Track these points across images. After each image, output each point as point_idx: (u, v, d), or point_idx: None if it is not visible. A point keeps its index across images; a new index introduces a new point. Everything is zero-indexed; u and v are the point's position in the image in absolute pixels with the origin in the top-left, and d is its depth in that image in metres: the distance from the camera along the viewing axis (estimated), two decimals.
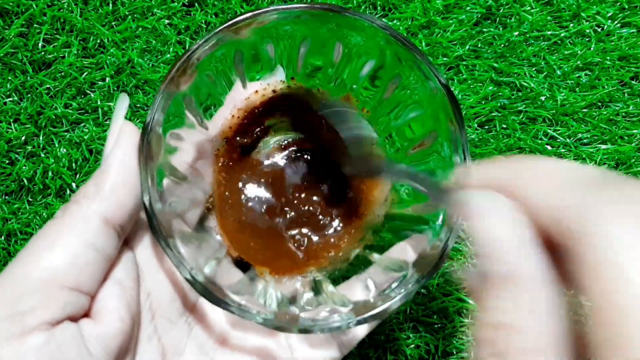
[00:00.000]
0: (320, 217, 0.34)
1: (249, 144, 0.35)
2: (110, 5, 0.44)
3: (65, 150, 0.42)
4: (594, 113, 0.45)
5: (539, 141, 0.44)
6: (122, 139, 0.26)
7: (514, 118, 0.44)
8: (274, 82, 0.33)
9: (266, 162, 0.35)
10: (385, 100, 0.31)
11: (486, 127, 0.44)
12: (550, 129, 0.44)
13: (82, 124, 0.42)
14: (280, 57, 0.31)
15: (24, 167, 0.41)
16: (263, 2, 0.45)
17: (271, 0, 0.45)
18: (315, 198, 0.35)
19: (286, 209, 0.34)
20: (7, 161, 0.42)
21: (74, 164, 0.41)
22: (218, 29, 0.27)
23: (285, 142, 0.36)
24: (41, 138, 0.42)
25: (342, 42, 0.30)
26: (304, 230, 0.34)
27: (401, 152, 0.32)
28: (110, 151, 0.26)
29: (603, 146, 0.44)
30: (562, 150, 0.44)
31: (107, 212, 0.25)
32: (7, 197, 0.41)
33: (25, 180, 0.41)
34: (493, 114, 0.44)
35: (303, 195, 0.35)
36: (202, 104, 0.31)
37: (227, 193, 0.34)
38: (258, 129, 0.35)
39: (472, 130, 0.44)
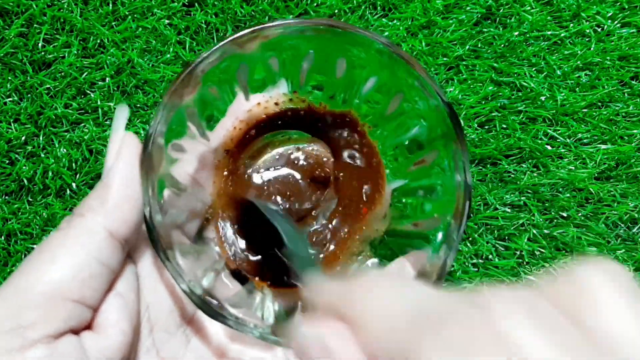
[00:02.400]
0: (319, 231, 0.34)
1: (249, 156, 0.35)
2: (110, 5, 0.44)
3: (65, 150, 0.42)
4: (594, 113, 0.45)
5: (539, 141, 0.44)
6: (123, 151, 0.26)
7: (514, 118, 0.44)
8: (276, 95, 0.33)
9: (266, 175, 0.35)
10: (387, 116, 0.32)
11: (486, 127, 0.44)
12: (550, 129, 0.44)
13: (82, 124, 0.42)
14: (283, 71, 0.31)
15: (24, 167, 0.41)
16: (263, 2, 0.45)
17: (271, 0, 0.45)
18: (314, 212, 0.35)
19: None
20: (7, 161, 0.42)
21: (74, 164, 0.41)
22: (223, 42, 0.27)
23: (283, 156, 0.36)
24: (41, 138, 0.42)
25: (345, 57, 0.30)
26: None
27: (402, 169, 0.32)
28: (112, 163, 0.26)
29: (603, 146, 0.44)
30: (562, 150, 0.44)
31: (112, 226, 0.24)
32: (7, 197, 0.41)
33: (25, 180, 0.41)
34: (493, 114, 0.44)
35: (302, 209, 0.35)
36: (204, 115, 0.31)
37: (226, 204, 0.34)
38: (259, 141, 0.35)
39: (472, 130, 0.44)
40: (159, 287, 0.28)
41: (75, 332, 0.23)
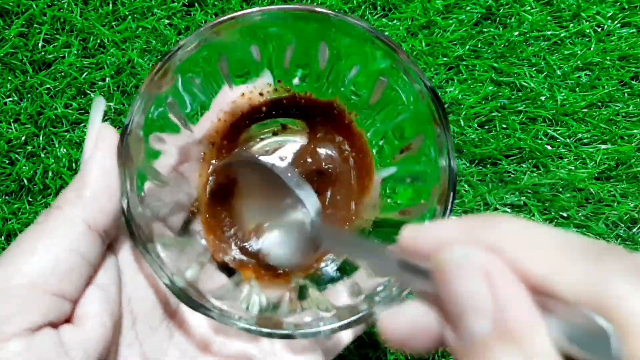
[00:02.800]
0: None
1: (235, 148, 0.34)
2: (110, 5, 0.44)
3: (65, 150, 0.42)
4: (594, 113, 0.45)
5: (539, 141, 0.44)
6: (100, 142, 0.25)
7: (514, 118, 0.44)
8: (260, 85, 0.32)
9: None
10: (372, 104, 0.31)
11: (486, 127, 0.44)
12: (550, 129, 0.44)
13: (82, 124, 0.42)
14: (266, 60, 0.31)
15: (24, 167, 0.41)
16: (263, 2, 0.45)
17: (271, 0, 0.45)
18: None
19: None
20: (7, 161, 0.42)
21: (74, 164, 0.41)
22: (200, 30, 0.27)
23: (270, 147, 0.35)
24: (41, 138, 0.42)
25: (328, 44, 0.29)
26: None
27: (389, 157, 0.32)
28: (89, 155, 0.25)
29: (603, 146, 0.44)
30: (562, 150, 0.44)
31: (90, 218, 0.24)
32: (7, 197, 0.41)
33: (25, 180, 0.41)
34: (493, 114, 0.44)
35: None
36: (187, 106, 0.30)
37: (212, 197, 0.34)
38: (244, 133, 0.34)
39: (472, 130, 0.44)
40: (140, 280, 0.27)
41: (54, 325, 0.23)
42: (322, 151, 0.35)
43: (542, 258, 0.16)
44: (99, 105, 0.27)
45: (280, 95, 0.33)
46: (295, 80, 0.32)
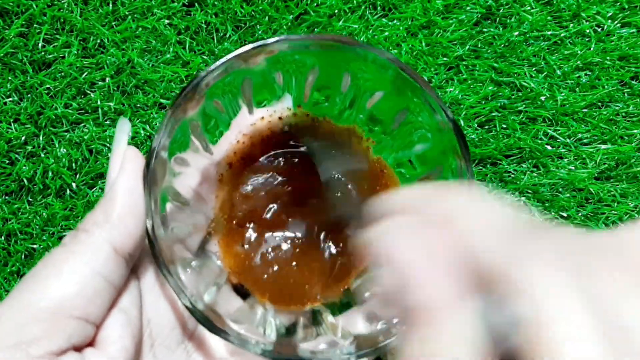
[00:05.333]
0: (327, 248, 0.34)
1: (252, 170, 0.35)
2: (110, 5, 0.44)
3: (65, 150, 0.42)
4: (594, 113, 0.45)
5: (539, 141, 0.44)
6: (126, 165, 0.26)
7: (514, 118, 0.44)
8: (280, 109, 0.33)
9: (270, 190, 0.35)
10: (391, 132, 0.31)
11: (486, 127, 0.44)
12: (550, 129, 0.44)
13: (82, 124, 0.42)
14: (287, 85, 0.31)
15: (24, 167, 0.41)
16: (263, 2, 0.45)
17: (271, 0, 0.45)
18: (319, 229, 0.34)
19: (292, 239, 0.34)
20: (7, 161, 0.42)
21: (74, 164, 0.41)
22: (227, 57, 0.27)
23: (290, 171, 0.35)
24: (41, 138, 0.42)
25: (350, 72, 0.30)
26: (309, 262, 0.34)
27: (407, 185, 0.32)
28: (115, 178, 0.26)
29: (603, 146, 0.44)
30: (562, 150, 0.44)
31: (117, 241, 0.24)
32: (7, 197, 0.41)
33: (25, 180, 0.41)
34: (493, 114, 0.44)
35: (307, 226, 0.34)
36: (207, 128, 0.31)
37: (229, 218, 0.34)
38: (263, 156, 0.34)
39: (472, 130, 0.44)
40: (161, 302, 0.28)
41: (78, 348, 0.23)
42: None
43: (479, 236, 0.16)
44: (123, 127, 0.27)
45: (299, 119, 0.33)
46: (315, 105, 0.33)
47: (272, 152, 0.34)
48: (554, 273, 0.14)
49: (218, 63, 0.27)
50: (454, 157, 0.27)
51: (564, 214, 0.43)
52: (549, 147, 0.44)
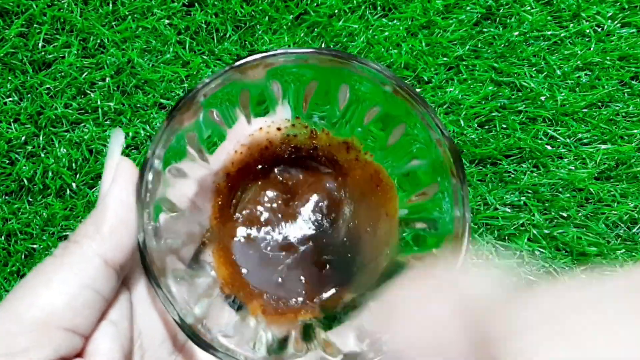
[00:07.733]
0: (322, 260, 0.34)
1: (249, 180, 0.35)
2: (110, 5, 0.44)
3: (65, 150, 0.42)
4: (594, 113, 0.45)
5: (539, 141, 0.44)
6: (119, 176, 0.25)
7: (514, 118, 0.44)
8: (278, 120, 0.33)
9: (267, 200, 0.35)
10: (388, 147, 0.32)
11: (486, 127, 0.44)
12: (550, 129, 0.44)
13: (82, 124, 0.42)
14: (286, 96, 0.31)
15: (24, 167, 0.41)
16: (263, 2, 0.45)
17: (271, 0, 0.45)
18: (318, 240, 0.34)
19: (287, 250, 0.34)
20: (7, 161, 0.42)
21: (74, 164, 0.41)
22: (225, 70, 0.27)
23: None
24: (41, 138, 0.42)
25: (349, 86, 0.30)
26: (303, 275, 0.34)
27: (402, 200, 0.32)
28: (107, 189, 0.25)
29: (603, 146, 0.44)
30: (562, 150, 0.44)
31: (107, 253, 0.24)
32: (7, 197, 0.41)
33: (25, 180, 0.41)
34: (493, 114, 0.44)
35: (305, 237, 0.34)
36: (205, 138, 0.31)
37: (225, 228, 0.34)
38: (260, 166, 0.35)
39: (472, 130, 0.44)
40: (152, 314, 0.28)
41: None
42: (336, 190, 0.35)
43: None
44: (118, 138, 0.27)
45: (297, 131, 0.33)
46: (314, 118, 0.33)
47: (270, 163, 0.34)
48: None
49: (215, 75, 0.27)
50: (449, 174, 0.28)
51: (564, 214, 0.43)
52: (549, 147, 0.44)
